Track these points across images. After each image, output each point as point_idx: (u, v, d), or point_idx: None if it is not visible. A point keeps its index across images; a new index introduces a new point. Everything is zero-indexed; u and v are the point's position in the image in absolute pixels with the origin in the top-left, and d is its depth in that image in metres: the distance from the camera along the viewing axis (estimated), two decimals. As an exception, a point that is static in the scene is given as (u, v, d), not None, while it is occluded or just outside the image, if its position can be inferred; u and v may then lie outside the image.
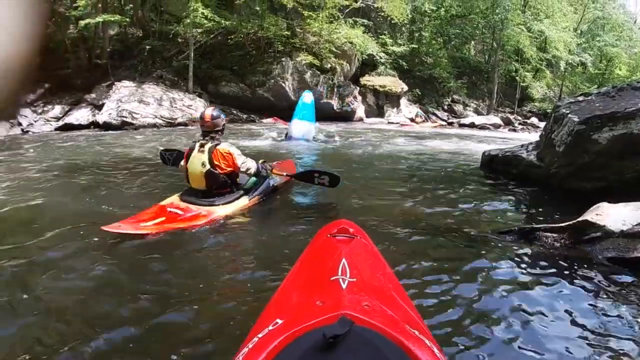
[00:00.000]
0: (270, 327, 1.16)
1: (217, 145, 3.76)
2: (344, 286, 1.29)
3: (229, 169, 3.82)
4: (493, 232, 3.49)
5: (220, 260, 3.00)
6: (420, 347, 1.05)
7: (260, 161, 4.19)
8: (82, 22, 14.32)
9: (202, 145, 3.78)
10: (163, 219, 3.48)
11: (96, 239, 3.26)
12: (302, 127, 10.18)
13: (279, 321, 1.18)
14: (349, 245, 1.68)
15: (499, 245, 3.23)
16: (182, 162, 4.03)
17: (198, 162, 3.76)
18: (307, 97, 10.60)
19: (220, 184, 3.83)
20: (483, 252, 3.08)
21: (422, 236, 3.40)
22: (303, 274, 1.67)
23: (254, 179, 4.19)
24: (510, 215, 4.22)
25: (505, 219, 4.02)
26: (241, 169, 3.90)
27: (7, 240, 3.35)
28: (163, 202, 3.76)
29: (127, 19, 16.02)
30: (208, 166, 3.73)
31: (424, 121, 19.06)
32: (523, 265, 2.86)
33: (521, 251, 3.09)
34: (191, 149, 3.84)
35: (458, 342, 2.00)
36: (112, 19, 14.79)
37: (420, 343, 1.08)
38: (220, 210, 3.73)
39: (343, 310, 1.08)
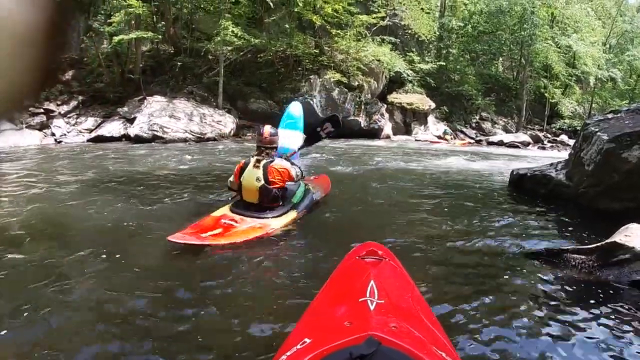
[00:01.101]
0: (299, 346, 1.17)
1: (271, 162, 3.94)
2: (372, 307, 1.30)
3: (283, 184, 3.99)
4: (521, 252, 3.48)
5: (253, 276, 3.04)
6: None
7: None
8: (116, 38, 14.71)
9: (257, 161, 3.95)
10: (220, 230, 3.62)
11: (139, 247, 3.48)
12: (286, 137, 9.53)
13: (307, 340, 1.19)
14: (378, 267, 1.69)
15: (527, 266, 3.21)
16: (232, 178, 4.12)
17: (253, 177, 3.92)
18: (295, 108, 9.57)
19: (272, 198, 3.97)
20: (511, 273, 3.08)
21: (450, 257, 3.39)
22: (332, 294, 1.71)
23: (300, 193, 4.31)
24: (538, 235, 4.12)
25: (534, 239, 3.95)
26: (295, 180, 4.09)
27: (41, 245, 3.49)
28: (215, 214, 3.91)
29: (160, 36, 16.39)
30: (262, 181, 3.89)
31: (453, 139, 18.80)
32: (550, 288, 2.84)
33: (549, 273, 3.07)
34: (245, 164, 3.99)
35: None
36: (145, 35, 15.16)
37: None
38: (274, 223, 3.86)
39: (370, 331, 1.09)
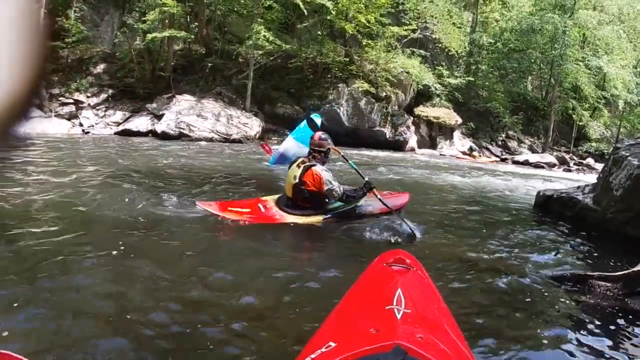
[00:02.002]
0: (323, 349, 1.17)
1: (312, 166, 4.08)
2: (398, 316, 1.29)
3: (314, 189, 4.08)
4: (545, 275, 3.42)
5: (277, 273, 3.05)
6: None
7: (365, 181, 4.36)
8: (149, 36, 14.91)
9: (302, 162, 4.16)
10: (248, 210, 4.02)
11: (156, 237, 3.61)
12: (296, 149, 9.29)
13: (332, 344, 1.19)
14: (405, 275, 1.68)
15: (552, 290, 3.15)
16: None
17: (293, 174, 4.17)
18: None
19: (304, 198, 4.14)
20: (535, 296, 3.01)
21: (473, 275, 3.35)
22: (358, 300, 1.69)
23: (339, 204, 4.35)
24: (563, 259, 4.05)
25: (559, 263, 3.88)
26: (326, 193, 4.12)
27: (58, 233, 3.53)
28: (264, 198, 4.33)
29: (192, 36, 16.58)
30: (297, 180, 4.10)
31: (479, 155, 18.52)
32: (574, 314, 2.81)
33: (574, 298, 3.02)
34: (295, 161, 4.27)
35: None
36: (178, 34, 15.32)
37: None
38: (290, 218, 4.10)
39: (397, 340, 1.09)
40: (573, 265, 3.82)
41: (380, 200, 4.40)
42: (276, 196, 4.37)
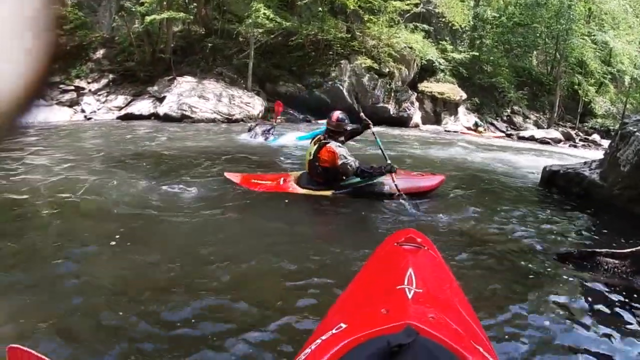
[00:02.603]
0: (334, 331, 1.17)
1: (327, 143, 4.27)
2: (409, 296, 1.29)
3: (328, 165, 4.27)
4: (552, 252, 3.42)
5: (287, 253, 3.07)
6: None
7: (387, 163, 4.42)
8: (147, 18, 14.72)
9: (319, 140, 4.38)
10: (272, 184, 4.40)
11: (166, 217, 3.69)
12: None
13: (343, 325, 1.19)
14: (416, 255, 1.67)
15: (558, 267, 3.16)
16: None
17: (309, 151, 4.47)
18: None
19: (317, 174, 4.38)
20: (542, 273, 3.03)
21: (479, 253, 3.35)
22: (368, 280, 1.69)
23: (356, 178, 4.47)
24: (569, 235, 4.06)
25: (565, 240, 3.88)
26: (340, 167, 4.26)
27: (63, 220, 3.62)
28: (290, 173, 4.72)
29: (191, 17, 16.35)
30: (312, 157, 4.37)
31: (485, 131, 18.28)
32: (581, 291, 2.82)
33: (580, 275, 3.02)
34: (313, 139, 4.54)
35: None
36: (177, 16, 15.11)
37: (484, 359, 1.08)
38: (302, 190, 4.38)
39: (408, 320, 1.09)
40: (580, 242, 3.81)
41: (395, 186, 4.41)
42: (299, 173, 4.69)
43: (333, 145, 4.23)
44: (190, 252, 3.00)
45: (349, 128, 4.52)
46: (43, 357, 1.11)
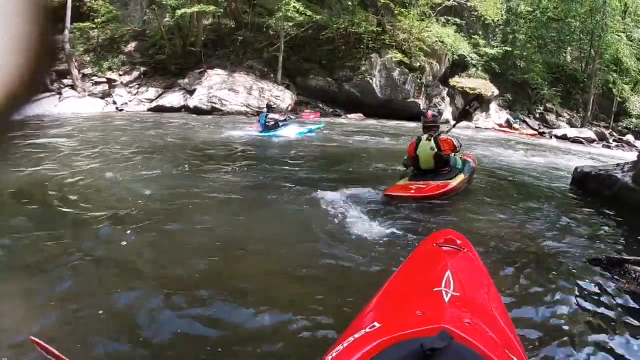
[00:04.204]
0: (368, 330, 1.17)
1: (439, 135, 4.86)
2: (446, 299, 1.27)
3: (450, 151, 4.87)
4: (581, 257, 3.34)
5: (327, 250, 3.06)
6: None
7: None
8: (178, 12, 14.78)
9: (430, 136, 4.82)
10: (413, 191, 4.51)
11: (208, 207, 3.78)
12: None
13: (377, 325, 1.19)
14: (455, 257, 1.64)
15: (587, 273, 3.06)
16: (406, 157, 5.04)
17: (427, 147, 4.82)
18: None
19: (443, 163, 4.88)
20: (571, 280, 2.94)
21: (509, 254, 3.30)
22: (406, 280, 1.67)
23: (460, 162, 5.12)
24: (599, 240, 3.90)
25: (594, 245, 3.74)
26: (457, 150, 4.91)
27: (94, 209, 3.68)
28: (399, 183, 4.85)
29: (221, 10, 16.36)
30: (436, 150, 4.79)
31: (520, 129, 17.78)
32: (607, 299, 2.69)
33: (609, 283, 2.90)
34: (417, 142, 4.88)
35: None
36: (207, 9, 15.12)
37: None
38: (453, 183, 4.69)
39: (444, 324, 1.08)
40: (608, 248, 3.69)
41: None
42: (405, 179, 4.93)
43: (444, 135, 4.92)
44: (223, 247, 3.02)
45: (440, 122, 5.20)
46: (58, 353, 1.13)
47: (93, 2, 16.58)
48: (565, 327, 2.30)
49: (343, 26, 15.83)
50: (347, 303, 2.29)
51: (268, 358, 1.89)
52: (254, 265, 2.76)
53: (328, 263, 2.83)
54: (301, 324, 2.10)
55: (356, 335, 1.16)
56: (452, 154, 4.96)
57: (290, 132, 9.05)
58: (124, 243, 2.94)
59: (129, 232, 3.12)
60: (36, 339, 1.17)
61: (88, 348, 1.85)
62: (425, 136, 4.88)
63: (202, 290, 2.36)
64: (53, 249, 2.80)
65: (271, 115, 8.95)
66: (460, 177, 4.90)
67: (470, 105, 6.03)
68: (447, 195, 4.52)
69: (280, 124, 9.05)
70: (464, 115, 6.33)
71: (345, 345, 1.13)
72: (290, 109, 14.61)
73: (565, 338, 2.20)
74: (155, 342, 1.92)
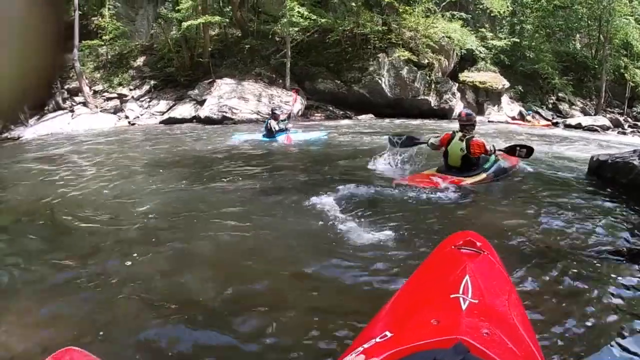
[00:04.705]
0: (378, 339, 1.12)
1: (472, 138, 5.00)
2: (464, 307, 1.20)
3: (480, 154, 5.02)
4: (600, 249, 3.25)
5: (339, 252, 3.06)
6: None
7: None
8: (184, 24, 14.94)
9: (463, 136, 5.02)
10: (428, 180, 4.84)
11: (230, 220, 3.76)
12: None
13: (389, 334, 1.13)
14: (475, 260, 1.55)
15: (609, 267, 3.00)
16: (436, 141, 5.30)
17: (457, 147, 5.04)
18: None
19: (471, 165, 5.07)
20: (592, 274, 2.88)
21: (526, 249, 3.24)
22: (421, 285, 1.59)
23: (490, 161, 5.25)
24: (617, 231, 3.81)
25: (612, 236, 3.66)
26: (489, 153, 5.05)
27: (108, 220, 3.81)
28: (424, 172, 5.20)
29: (227, 20, 16.48)
30: (465, 152, 4.98)
31: (534, 120, 17.55)
32: (632, 294, 2.61)
33: (630, 276, 2.84)
34: (452, 137, 5.12)
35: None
36: (213, 20, 15.28)
37: None
38: (467, 180, 4.92)
39: (460, 334, 1.02)
40: (627, 239, 3.62)
41: (518, 158, 5.49)
42: (432, 170, 5.25)
43: (477, 137, 5.11)
44: (233, 256, 3.05)
45: (475, 120, 5.28)
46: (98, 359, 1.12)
47: (100, 19, 16.85)
48: (590, 335, 2.20)
49: (348, 28, 15.80)
50: (358, 310, 2.23)
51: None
52: (263, 273, 2.74)
53: (340, 268, 2.78)
54: (310, 333, 2.06)
55: (365, 345, 1.11)
56: (490, 154, 5.11)
57: (292, 138, 9.00)
58: (135, 255, 2.99)
59: (137, 246, 3.18)
60: (74, 347, 1.17)
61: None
62: (459, 135, 5.05)
63: (213, 303, 2.37)
64: (65, 264, 2.85)
65: (272, 123, 8.97)
66: (480, 177, 5.07)
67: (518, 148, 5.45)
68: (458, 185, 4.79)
69: (284, 128, 9.04)
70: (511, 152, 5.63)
71: (353, 356, 1.09)
72: (300, 113, 14.62)
73: (591, 346, 2.09)
74: (163, 353, 1.93)
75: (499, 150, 5.29)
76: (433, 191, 4.58)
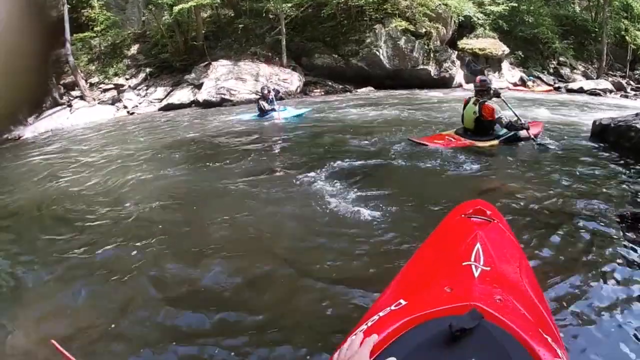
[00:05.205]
0: (393, 307, 1.13)
1: (485, 102, 5.33)
2: (476, 274, 1.22)
3: (490, 118, 5.32)
4: (605, 213, 3.24)
5: (349, 222, 3.05)
6: (551, 356, 0.93)
7: (519, 120, 5.52)
8: (175, 8, 14.67)
9: (476, 101, 5.39)
10: (443, 142, 5.38)
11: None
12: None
13: (403, 302, 1.15)
14: (485, 229, 1.56)
15: (616, 234, 2.91)
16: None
17: (471, 110, 5.44)
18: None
19: (483, 127, 5.42)
20: (600, 244, 2.80)
21: (534, 217, 3.22)
22: (433, 254, 1.59)
23: (505, 130, 5.46)
24: (622, 195, 3.79)
25: (617, 199, 3.63)
26: (496, 120, 5.31)
27: (115, 209, 3.80)
28: (443, 132, 5.78)
29: (218, 1, 16.16)
30: (477, 114, 5.37)
31: (535, 85, 17.28)
32: (637, 256, 2.57)
33: (636, 241, 2.77)
34: (468, 100, 5.53)
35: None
36: (204, 2, 14.97)
37: (552, 351, 0.95)
38: (478, 143, 5.34)
39: (473, 301, 1.04)
40: (631, 204, 3.60)
41: (531, 137, 5.50)
42: (451, 131, 5.75)
43: (490, 102, 5.33)
44: (240, 241, 3.01)
45: (492, 86, 5.51)
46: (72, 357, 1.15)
47: (90, 11, 16.60)
48: (598, 298, 2.17)
49: (342, 0, 15.50)
50: (371, 279, 2.23)
51: (293, 336, 1.87)
52: (273, 251, 2.76)
53: (350, 240, 2.77)
54: (326, 303, 2.07)
55: (381, 314, 1.12)
56: (498, 121, 5.35)
57: (281, 115, 9.05)
58: (140, 243, 2.99)
59: (142, 235, 3.18)
60: (56, 343, 1.15)
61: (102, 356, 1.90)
62: (474, 99, 5.44)
63: (225, 285, 2.37)
64: (71, 257, 2.85)
65: (263, 103, 9.11)
66: (490, 142, 5.41)
67: (470, 67, 5.72)
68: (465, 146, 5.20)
69: (276, 108, 9.12)
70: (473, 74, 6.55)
71: (369, 324, 1.08)
72: (299, 90, 14.42)
73: (599, 310, 2.06)
74: (170, 347, 1.91)
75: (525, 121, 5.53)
76: (443, 153, 4.93)
